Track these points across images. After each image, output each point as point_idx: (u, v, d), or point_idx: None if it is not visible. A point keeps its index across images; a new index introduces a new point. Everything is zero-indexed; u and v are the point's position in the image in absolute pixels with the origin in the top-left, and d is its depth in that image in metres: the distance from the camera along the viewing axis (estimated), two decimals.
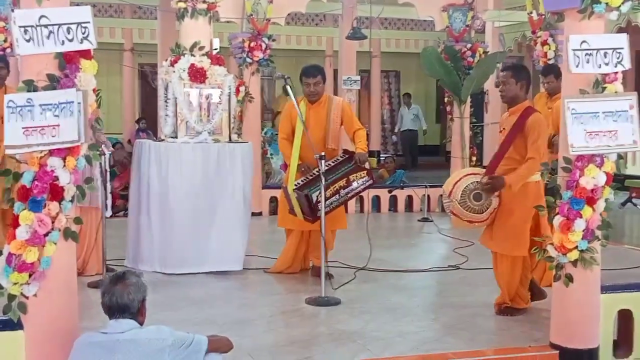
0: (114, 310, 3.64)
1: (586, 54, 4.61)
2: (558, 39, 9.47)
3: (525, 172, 5.64)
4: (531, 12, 10.21)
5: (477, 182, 5.72)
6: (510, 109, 5.86)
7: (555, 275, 4.91)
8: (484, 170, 5.95)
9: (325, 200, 6.36)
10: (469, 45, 11.39)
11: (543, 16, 9.95)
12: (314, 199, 6.48)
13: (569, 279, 4.81)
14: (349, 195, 6.77)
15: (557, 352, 4.96)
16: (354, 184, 6.76)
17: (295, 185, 6.69)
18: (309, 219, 6.69)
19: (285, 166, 8.59)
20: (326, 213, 6.41)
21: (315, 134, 6.83)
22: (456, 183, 5.77)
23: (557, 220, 4.81)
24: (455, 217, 5.84)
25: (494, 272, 5.99)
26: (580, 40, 4.61)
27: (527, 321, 5.74)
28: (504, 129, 5.87)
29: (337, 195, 6.63)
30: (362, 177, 6.80)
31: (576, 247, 4.76)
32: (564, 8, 4.85)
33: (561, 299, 4.94)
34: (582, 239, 4.74)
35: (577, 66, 4.61)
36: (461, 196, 5.69)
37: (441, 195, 6.01)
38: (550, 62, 9.63)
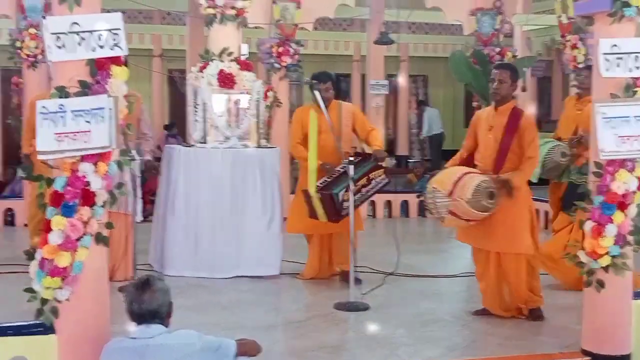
0: (145, 317, 3.65)
1: (617, 58, 4.58)
2: (588, 42, 9.38)
3: (529, 171, 5.77)
4: (560, 16, 10.13)
5: (486, 180, 5.61)
6: (499, 108, 5.86)
7: (587, 281, 4.87)
8: (473, 167, 5.89)
9: (348, 199, 6.40)
10: (497, 50, 11.30)
11: (573, 20, 9.87)
12: (340, 197, 6.49)
13: (600, 284, 4.77)
14: (369, 194, 6.79)
15: (589, 358, 4.91)
16: (373, 182, 6.82)
17: (318, 186, 6.70)
18: (334, 219, 6.68)
19: None
20: (348, 213, 6.44)
21: (328, 139, 6.86)
22: (457, 182, 5.60)
23: (588, 225, 4.76)
24: (451, 217, 5.69)
25: (479, 276, 5.97)
26: (610, 44, 4.57)
27: (557, 327, 5.69)
28: (491, 127, 5.84)
29: (359, 194, 6.63)
30: (380, 176, 6.86)
31: (607, 253, 4.72)
32: (595, 12, 4.81)
33: (592, 305, 4.90)
34: (614, 244, 4.70)
35: (607, 70, 4.58)
36: (473, 195, 5.51)
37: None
38: (580, 66, 9.54)
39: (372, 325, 5.74)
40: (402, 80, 20.24)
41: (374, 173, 6.82)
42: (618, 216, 4.67)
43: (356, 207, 6.65)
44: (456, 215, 5.66)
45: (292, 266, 7.56)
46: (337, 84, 7.18)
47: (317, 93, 6.63)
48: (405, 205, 11.55)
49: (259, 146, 7.51)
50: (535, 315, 5.86)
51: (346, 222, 6.53)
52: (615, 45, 4.58)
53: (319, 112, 6.95)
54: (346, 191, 6.44)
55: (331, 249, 7.16)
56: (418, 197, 11.47)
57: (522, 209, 5.75)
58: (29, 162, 7.66)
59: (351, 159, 6.44)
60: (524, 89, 12.48)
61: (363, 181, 6.69)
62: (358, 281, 6.62)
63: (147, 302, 3.63)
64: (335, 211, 6.58)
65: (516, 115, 5.79)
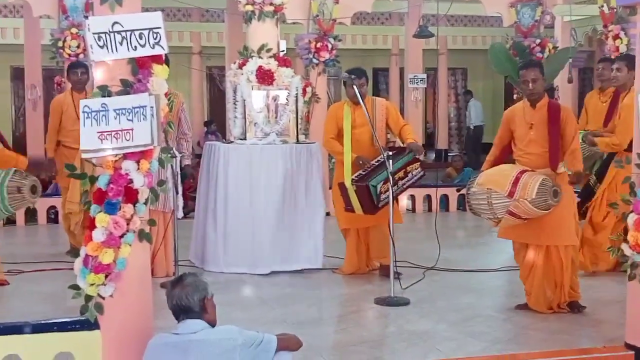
0: (178, 312, 3.72)
1: None
2: (630, 32, 9.26)
3: (581, 161, 5.88)
4: (602, 6, 10.00)
5: (547, 178, 5.58)
6: (537, 105, 5.81)
7: (630, 274, 4.81)
8: (515, 164, 5.90)
9: (386, 191, 6.46)
10: (537, 41, 11.19)
11: (615, 10, 9.73)
12: (378, 189, 6.52)
13: None
14: (405, 186, 6.80)
15: (633, 352, 4.86)
16: (409, 175, 6.83)
17: (353, 179, 6.70)
18: (370, 211, 6.69)
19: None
20: (385, 204, 6.50)
21: (363, 133, 6.90)
22: (516, 182, 5.57)
23: (632, 218, 4.71)
24: (509, 217, 5.66)
25: (524, 278, 5.92)
26: None
27: (601, 321, 5.64)
28: (532, 124, 5.80)
29: (395, 187, 6.61)
30: (417, 169, 6.90)
31: None
32: (637, 1, 4.75)
33: (637, 298, 4.84)
34: None
35: None
36: (537, 194, 5.48)
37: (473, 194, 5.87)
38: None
39: (413, 320, 5.72)
40: (441, 73, 20.13)
41: (411, 166, 6.84)
42: None
43: (394, 198, 6.64)
44: (515, 216, 5.64)
45: (331, 261, 7.58)
46: (370, 80, 7.21)
47: (355, 88, 6.63)
48: (445, 199, 11.49)
49: (297, 142, 7.53)
50: (576, 307, 5.82)
51: (383, 215, 6.54)
52: None
53: (353, 107, 6.98)
54: (384, 183, 6.46)
55: (369, 243, 7.17)
56: (458, 190, 11.47)
57: (568, 200, 5.74)
58: (53, 165, 7.83)
59: (389, 152, 6.45)
60: (569, 81, 12.33)
61: (400, 174, 6.69)
62: (398, 275, 6.61)
63: (177, 298, 3.70)
64: (371, 203, 6.61)
65: (555, 110, 5.77)
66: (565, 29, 14.60)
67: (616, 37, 9.63)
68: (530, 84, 5.77)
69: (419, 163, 6.93)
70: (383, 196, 6.54)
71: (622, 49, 9.55)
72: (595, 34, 14.94)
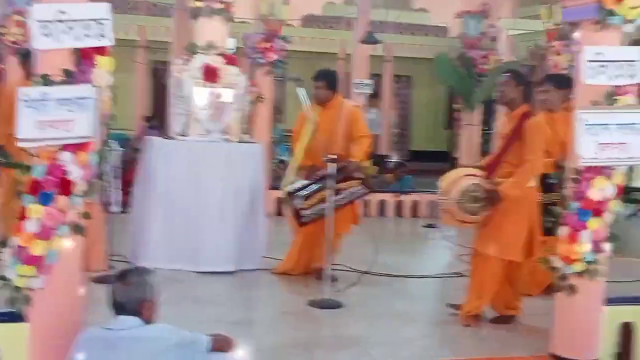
0: (115, 307, 3.66)
1: (600, 66, 4.62)
2: (572, 49, 9.46)
3: (523, 177, 5.64)
4: (546, 22, 10.20)
5: (476, 184, 5.66)
6: (511, 114, 5.84)
7: (559, 286, 4.91)
8: (481, 170, 5.89)
9: (310, 207, 6.61)
10: (482, 53, 11.38)
11: (558, 26, 9.93)
12: (298, 206, 6.66)
13: (573, 290, 4.82)
14: (341, 203, 6.73)
15: None
16: (346, 192, 6.76)
17: (289, 191, 6.79)
18: (299, 225, 6.81)
19: None
20: (312, 220, 6.66)
21: (324, 138, 6.87)
22: (456, 182, 5.70)
23: (564, 230, 4.81)
24: (447, 215, 5.77)
25: (472, 277, 5.93)
26: (595, 51, 4.62)
27: (530, 331, 5.74)
28: (506, 133, 5.87)
29: (322, 203, 6.57)
30: (356, 187, 6.83)
31: (581, 259, 4.76)
32: (581, 19, 4.85)
33: (563, 309, 4.95)
34: (588, 250, 4.75)
35: (591, 77, 4.62)
36: (460, 197, 5.60)
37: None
38: (564, 72, 9.63)
39: (346, 323, 5.75)
40: (386, 80, 20.27)
41: (346, 184, 6.76)
42: (593, 222, 4.72)
43: (320, 215, 6.62)
44: (450, 215, 5.72)
45: (270, 262, 7.57)
46: (334, 83, 7.11)
47: (300, 91, 6.62)
48: (382, 205, 11.58)
49: (240, 141, 7.50)
50: (500, 319, 5.89)
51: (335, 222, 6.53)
52: (599, 53, 4.62)
53: (320, 110, 6.97)
54: (306, 200, 6.56)
55: (315, 246, 7.11)
56: (396, 197, 11.57)
57: (519, 216, 5.67)
58: (3, 154, 7.61)
59: (333, 163, 6.37)
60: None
61: (328, 192, 6.48)
62: (333, 279, 6.63)
63: (116, 293, 3.63)
64: (298, 218, 6.70)
65: (522, 120, 5.71)
66: (509, 43, 14.88)
67: (558, 53, 9.84)
68: (499, 88, 5.84)
69: (357, 181, 6.82)
70: (306, 212, 6.62)
71: (563, 65, 9.75)
72: (538, 49, 15.23)
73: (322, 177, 6.52)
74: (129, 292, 3.62)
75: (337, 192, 6.59)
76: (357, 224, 7.21)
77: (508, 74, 5.91)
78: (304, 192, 6.69)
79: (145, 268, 3.95)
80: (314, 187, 6.65)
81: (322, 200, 6.57)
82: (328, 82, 7.07)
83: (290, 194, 6.72)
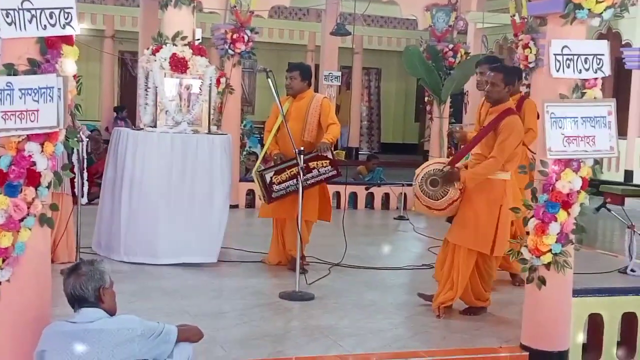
0: (73, 301, 3.64)
1: (567, 59, 4.65)
2: (539, 42, 9.52)
3: (483, 171, 5.69)
4: (514, 15, 10.26)
5: (437, 169, 5.75)
6: (492, 108, 5.86)
7: (528, 278, 4.95)
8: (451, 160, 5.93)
9: (280, 183, 6.77)
10: (450, 46, 11.44)
11: (525, 19, 9.99)
12: (268, 179, 6.80)
13: (542, 281, 4.86)
14: (309, 182, 6.78)
15: (527, 353, 5.00)
16: (315, 172, 6.86)
17: (258, 168, 6.97)
18: (269, 200, 6.91)
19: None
20: (282, 196, 6.80)
21: (294, 127, 6.90)
22: (424, 168, 5.83)
23: (532, 223, 4.85)
24: (417, 201, 5.88)
25: (439, 266, 5.94)
26: (561, 45, 4.64)
27: (500, 322, 5.78)
28: (483, 126, 5.90)
29: (293, 180, 6.71)
30: (325, 167, 6.90)
31: (550, 250, 4.80)
32: (547, 12, 4.88)
33: (533, 301, 4.99)
34: (556, 242, 4.79)
35: (557, 70, 4.65)
36: (421, 179, 5.74)
37: None
38: (531, 65, 9.70)
39: (316, 315, 5.75)
40: (355, 72, 20.30)
41: (315, 162, 6.85)
42: (562, 215, 4.75)
43: (292, 192, 6.72)
44: (418, 199, 5.82)
45: (238, 254, 7.55)
46: (307, 75, 7.17)
47: (270, 81, 6.60)
48: (353, 197, 11.60)
49: (209, 132, 7.46)
50: (469, 310, 5.93)
51: (304, 210, 6.52)
52: (566, 47, 4.65)
53: (292, 100, 7.01)
54: (275, 174, 6.74)
55: (284, 233, 7.18)
56: (367, 189, 11.61)
57: (486, 207, 5.70)
58: None
59: (302, 149, 6.47)
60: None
61: (297, 169, 6.52)
62: (304, 271, 6.63)
63: (72, 287, 3.62)
64: (267, 192, 6.84)
65: (501, 116, 5.71)
66: (478, 36, 14.96)
67: (526, 46, 9.88)
68: (488, 86, 5.79)
69: (327, 161, 6.90)
70: (276, 187, 6.77)
71: (531, 58, 9.81)
72: (506, 42, 15.35)
73: (292, 159, 6.64)
74: (85, 283, 3.62)
75: (307, 170, 6.68)
76: (329, 220, 7.24)
77: (497, 72, 5.81)
78: (275, 168, 6.85)
79: (93, 259, 3.94)
80: (284, 165, 6.81)
81: (292, 177, 6.70)
82: (302, 72, 7.11)
83: (261, 172, 6.87)
